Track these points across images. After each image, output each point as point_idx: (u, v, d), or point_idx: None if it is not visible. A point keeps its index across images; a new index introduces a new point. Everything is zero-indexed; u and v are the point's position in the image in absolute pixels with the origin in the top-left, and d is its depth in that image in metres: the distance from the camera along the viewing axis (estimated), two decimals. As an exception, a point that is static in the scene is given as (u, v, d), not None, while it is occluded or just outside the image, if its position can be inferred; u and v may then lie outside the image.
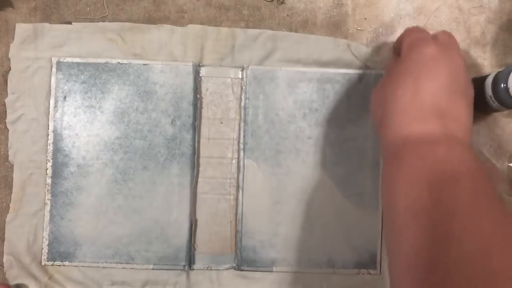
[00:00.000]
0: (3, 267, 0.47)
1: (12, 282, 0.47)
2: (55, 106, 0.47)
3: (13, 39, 0.47)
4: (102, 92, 0.47)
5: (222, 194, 0.48)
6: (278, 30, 0.48)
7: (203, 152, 0.48)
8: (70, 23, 0.47)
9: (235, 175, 0.48)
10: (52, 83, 0.47)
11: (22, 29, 0.47)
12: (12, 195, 0.47)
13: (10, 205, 0.47)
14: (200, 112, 0.48)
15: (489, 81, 0.45)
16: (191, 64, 0.47)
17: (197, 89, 0.47)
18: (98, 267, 0.47)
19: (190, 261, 0.47)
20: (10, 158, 0.47)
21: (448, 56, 0.38)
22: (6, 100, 0.47)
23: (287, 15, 0.48)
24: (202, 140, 0.48)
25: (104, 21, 0.48)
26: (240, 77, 0.48)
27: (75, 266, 0.47)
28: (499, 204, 0.30)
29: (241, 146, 0.47)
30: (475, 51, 0.49)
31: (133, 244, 0.47)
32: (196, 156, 0.47)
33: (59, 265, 0.47)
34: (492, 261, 0.27)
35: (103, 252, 0.47)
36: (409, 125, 0.35)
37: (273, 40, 0.47)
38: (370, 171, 0.47)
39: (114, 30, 0.47)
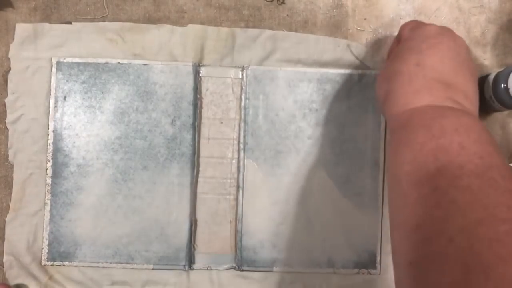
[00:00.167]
0: (3, 267, 0.47)
1: (12, 282, 0.47)
2: (55, 106, 0.47)
3: (13, 39, 0.47)
4: (102, 92, 0.47)
5: (222, 194, 0.48)
6: (278, 30, 0.48)
7: (203, 152, 0.48)
8: (70, 23, 0.47)
9: (235, 175, 0.48)
10: (52, 83, 0.47)
11: (22, 29, 0.47)
12: (12, 195, 0.47)
13: (10, 205, 0.47)
14: (200, 112, 0.48)
15: (489, 81, 0.45)
16: (191, 64, 0.47)
17: (197, 89, 0.47)
18: (98, 267, 0.47)
19: (190, 261, 0.47)
20: (10, 158, 0.47)
21: (448, 33, 0.38)
22: (6, 100, 0.47)
23: (287, 15, 0.48)
24: (202, 140, 0.48)
25: (104, 21, 0.48)
26: (240, 77, 0.48)
27: (75, 266, 0.47)
28: (507, 173, 0.30)
29: (241, 146, 0.47)
30: (475, 51, 0.49)
31: (133, 244, 0.47)
32: (196, 156, 0.47)
33: (59, 265, 0.47)
34: (496, 230, 0.27)
35: (103, 252, 0.47)
36: (415, 95, 0.35)
37: (273, 40, 0.47)
38: (370, 171, 0.47)
39: (114, 30, 0.47)
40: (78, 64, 0.47)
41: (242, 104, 0.47)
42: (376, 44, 0.48)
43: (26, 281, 0.47)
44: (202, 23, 0.48)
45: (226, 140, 0.48)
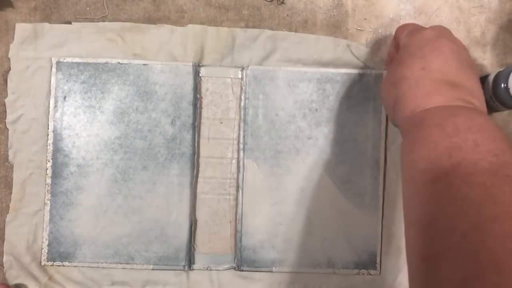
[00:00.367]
0: (3, 267, 0.47)
1: (12, 282, 0.47)
2: (55, 106, 0.47)
3: (13, 39, 0.47)
4: (102, 92, 0.47)
5: (222, 194, 0.48)
6: (278, 30, 0.48)
7: (203, 152, 0.48)
8: (70, 23, 0.47)
9: (235, 175, 0.48)
10: (52, 83, 0.47)
11: (22, 29, 0.47)
12: (12, 195, 0.47)
13: (10, 205, 0.47)
14: (200, 112, 0.48)
15: (489, 81, 0.45)
16: (191, 64, 0.47)
17: (197, 89, 0.47)
18: (98, 267, 0.47)
19: (190, 261, 0.47)
20: (10, 158, 0.47)
21: (447, 37, 0.38)
22: (6, 100, 0.47)
23: (287, 15, 0.48)
24: (202, 140, 0.48)
25: (104, 21, 0.48)
26: (240, 77, 0.48)
27: (75, 266, 0.47)
28: None
29: (241, 146, 0.47)
30: (475, 51, 0.49)
31: (133, 244, 0.47)
32: (196, 156, 0.47)
33: (59, 265, 0.47)
34: (509, 226, 0.27)
35: (103, 252, 0.47)
36: (425, 97, 0.36)
37: (273, 40, 0.47)
38: (370, 171, 0.47)
39: (114, 30, 0.47)
40: (78, 64, 0.47)
41: (242, 104, 0.47)
42: (376, 44, 0.48)
43: (26, 281, 0.47)
44: (202, 23, 0.48)
45: (226, 140, 0.48)
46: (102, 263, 0.47)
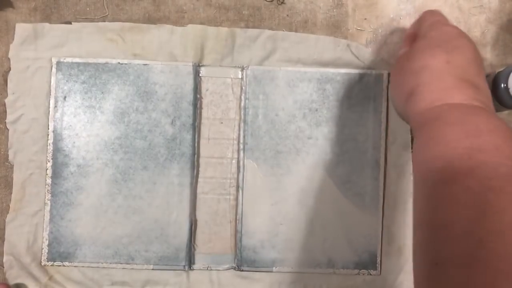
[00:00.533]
0: (3, 267, 0.47)
1: (12, 282, 0.47)
2: (55, 106, 0.47)
3: (13, 39, 0.47)
4: (102, 92, 0.47)
5: (222, 194, 0.48)
6: (278, 30, 0.48)
7: (203, 152, 0.48)
8: (70, 23, 0.47)
9: (235, 175, 0.48)
10: (52, 83, 0.47)
11: (22, 29, 0.47)
12: (12, 195, 0.47)
13: (10, 205, 0.47)
14: (200, 112, 0.48)
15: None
16: (191, 64, 0.47)
17: (197, 89, 0.47)
18: (98, 267, 0.47)
19: (190, 261, 0.47)
20: (10, 158, 0.47)
21: (468, 38, 0.38)
22: (6, 100, 0.47)
23: (287, 15, 0.48)
24: (202, 140, 0.48)
25: (104, 21, 0.48)
26: (240, 77, 0.48)
27: (75, 266, 0.47)
28: None
29: (241, 146, 0.47)
30: (475, 51, 0.49)
31: (133, 244, 0.47)
32: (196, 156, 0.47)
33: (59, 265, 0.47)
34: None
35: (103, 252, 0.47)
36: (447, 91, 0.35)
37: (273, 40, 0.47)
38: (370, 171, 0.47)
39: (114, 30, 0.47)
40: (78, 64, 0.47)
41: (242, 104, 0.47)
42: (376, 44, 0.48)
43: (26, 281, 0.47)
44: (202, 23, 0.48)
45: (226, 140, 0.48)
46: (102, 263, 0.47)
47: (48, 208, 0.46)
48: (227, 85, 0.48)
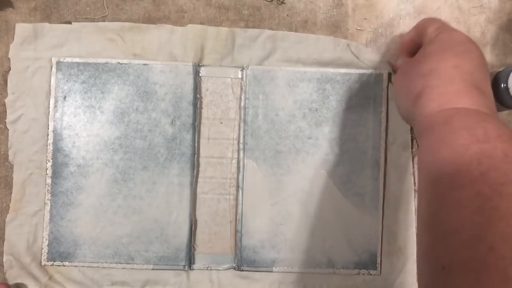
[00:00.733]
0: (3, 267, 0.47)
1: (12, 282, 0.47)
2: (55, 106, 0.47)
3: (13, 39, 0.47)
4: (102, 92, 0.47)
5: (222, 194, 0.48)
6: (278, 30, 0.48)
7: (203, 152, 0.48)
8: (70, 23, 0.47)
9: (235, 175, 0.48)
10: (52, 83, 0.47)
11: (22, 29, 0.47)
12: (12, 195, 0.47)
13: (10, 205, 0.47)
14: (200, 112, 0.48)
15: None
16: (191, 64, 0.47)
17: (197, 89, 0.47)
18: (98, 267, 0.47)
19: (190, 261, 0.47)
20: (10, 158, 0.47)
21: (475, 43, 0.38)
22: (6, 100, 0.47)
23: (287, 15, 0.48)
24: (202, 140, 0.48)
25: (104, 21, 0.48)
26: (240, 77, 0.48)
27: (75, 266, 0.47)
28: None
29: (241, 146, 0.47)
30: (475, 51, 0.49)
31: (133, 244, 0.47)
32: (196, 156, 0.47)
33: (59, 265, 0.47)
34: None
35: (103, 252, 0.47)
36: (456, 95, 0.35)
37: (273, 40, 0.47)
38: (370, 171, 0.47)
39: (114, 30, 0.47)
40: (78, 64, 0.47)
41: (242, 104, 0.47)
42: (376, 44, 0.48)
43: (26, 281, 0.47)
44: (202, 23, 0.48)
45: (226, 140, 0.48)
46: (102, 263, 0.47)
47: (48, 208, 0.46)
48: (227, 85, 0.48)
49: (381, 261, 0.47)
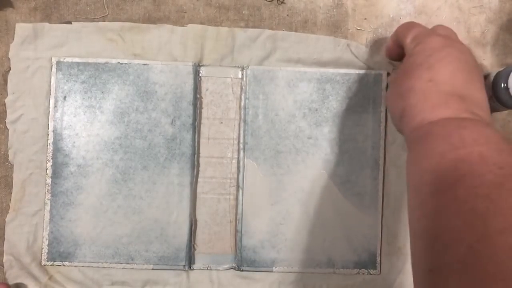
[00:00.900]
0: (3, 267, 0.47)
1: (12, 282, 0.47)
2: (55, 106, 0.47)
3: (13, 39, 0.47)
4: (102, 92, 0.47)
5: (222, 194, 0.48)
6: (278, 30, 0.48)
7: (203, 152, 0.48)
8: (70, 23, 0.47)
9: (235, 175, 0.48)
10: (52, 83, 0.47)
11: (22, 29, 0.47)
12: (12, 195, 0.47)
13: (10, 205, 0.47)
14: (200, 112, 0.48)
15: (489, 81, 0.45)
16: (191, 64, 0.47)
17: (197, 89, 0.47)
18: (98, 267, 0.47)
19: (190, 261, 0.47)
20: (10, 158, 0.47)
21: (453, 44, 0.38)
22: (6, 100, 0.47)
23: (287, 15, 0.48)
24: (202, 140, 0.48)
25: (104, 21, 0.48)
26: (240, 77, 0.48)
27: (75, 266, 0.47)
28: None
29: (241, 146, 0.47)
30: (475, 51, 0.49)
31: (133, 244, 0.47)
32: (196, 156, 0.47)
33: (59, 265, 0.47)
34: None
35: (103, 252, 0.47)
36: (432, 110, 0.35)
37: (273, 40, 0.47)
38: (370, 171, 0.47)
39: (114, 30, 0.47)
40: (78, 64, 0.47)
41: (242, 104, 0.47)
42: (376, 44, 0.48)
43: (26, 281, 0.47)
44: (202, 23, 0.48)
45: (226, 140, 0.48)
46: (102, 263, 0.47)
47: (48, 208, 0.46)
48: (227, 85, 0.48)
49: (380, 260, 0.48)
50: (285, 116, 0.47)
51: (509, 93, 0.42)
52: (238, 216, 0.47)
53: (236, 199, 0.47)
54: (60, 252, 0.46)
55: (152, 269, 0.47)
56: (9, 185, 0.47)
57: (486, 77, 0.46)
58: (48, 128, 0.47)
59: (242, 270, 0.47)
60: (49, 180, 0.46)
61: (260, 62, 0.48)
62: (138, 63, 0.47)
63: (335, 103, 0.48)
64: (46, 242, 0.47)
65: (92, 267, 0.47)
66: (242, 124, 0.47)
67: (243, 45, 0.47)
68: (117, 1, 0.48)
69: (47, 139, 0.47)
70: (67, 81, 0.47)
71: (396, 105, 0.39)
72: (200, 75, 0.48)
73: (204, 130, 0.48)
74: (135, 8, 0.48)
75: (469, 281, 0.27)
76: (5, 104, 0.47)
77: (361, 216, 0.47)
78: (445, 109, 0.35)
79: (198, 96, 0.47)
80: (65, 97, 0.47)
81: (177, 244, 0.47)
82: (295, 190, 0.47)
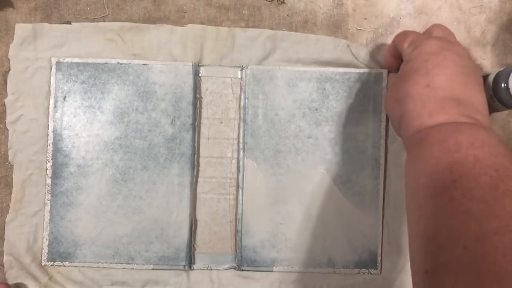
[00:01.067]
0: (3, 267, 0.47)
1: (12, 282, 0.47)
2: (55, 107, 0.47)
3: (13, 39, 0.47)
4: (101, 92, 0.47)
5: (222, 194, 0.48)
6: (278, 30, 0.48)
7: (203, 152, 0.48)
8: (69, 23, 0.47)
9: (235, 175, 0.48)
10: (51, 83, 0.47)
11: (21, 29, 0.47)
12: (12, 195, 0.47)
13: (10, 205, 0.47)
14: (200, 112, 0.48)
15: (489, 81, 0.45)
16: (190, 64, 0.47)
17: (196, 89, 0.47)
18: (98, 267, 0.47)
19: (190, 261, 0.47)
20: (10, 159, 0.47)
21: (450, 47, 0.38)
22: (6, 101, 0.47)
23: (287, 15, 0.48)
24: (202, 140, 0.48)
25: (104, 21, 0.48)
26: (240, 76, 0.48)
27: (75, 266, 0.47)
28: None
29: (241, 146, 0.47)
30: (475, 51, 0.49)
31: (133, 244, 0.47)
32: (196, 156, 0.47)
33: (59, 266, 0.47)
34: (510, 239, 0.27)
35: (103, 252, 0.47)
36: (429, 115, 0.36)
37: (273, 40, 0.47)
38: (370, 170, 0.47)
39: (113, 30, 0.47)
40: (78, 64, 0.47)
41: (242, 103, 0.47)
42: (376, 44, 0.48)
43: (26, 281, 0.47)
44: (202, 23, 0.48)
45: (225, 140, 0.48)
46: (102, 263, 0.47)
47: (48, 208, 0.46)
48: (227, 85, 0.48)
49: (381, 260, 0.47)
50: (284, 115, 0.47)
51: (509, 93, 0.42)
52: (238, 216, 0.47)
53: (236, 199, 0.47)
54: (60, 252, 0.46)
55: (152, 269, 0.47)
56: (9, 186, 0.47)
57: (486, 77, 0.46)
58: (48, 129, 0.47)
59: (242, 270, 0.47)
60: (49, 181, 0.46)
61: (260, 62, 0.47)
62: (137, 63, 0.47)
63: (335, 102, 0.47)
64: (46, 243, 0.46)
65: (92, 267, 0.47)
66: (241, 124, 0.47)
67: (243, 45, 0.47)
68: (117, 1, 0.48)
69: (47, 140, 0.47)
70: (66, 81, 0.47)
71: (394, 110, 0.39)
72: (199, 75, 0.48)
73: (204, 130, 0.48)
74: (135, 8, 0.48)
75: (465, 282, 0.28)
76: (5, 104, 0.47)
77: (362, 216, 0.47)
78: (442, 114, 0.36)
79: (197, 96, 0.47)
80: (64, 98, 0.47)
81: (177, 244, 0.47)
82: (295, 190, 0.47)
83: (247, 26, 0.48)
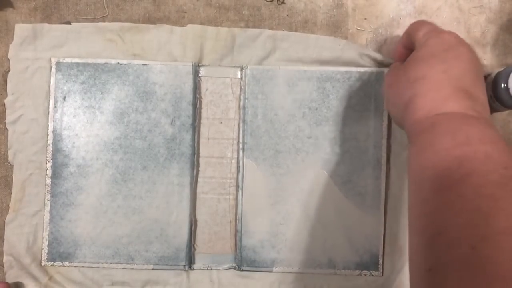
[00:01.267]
0: (3, 267, 0.47)
1: (12, 282, 0.46)
2: (55, 107, 0.47)
3: (13, 39, 0.47)
4: (101, 93, 0.47)
5: (222, 194, 0.48)
6: (278, 30, 0.48)
7: (203, 152, 0.48)
8: (69, 23, 0.47)
9: (235, 175, 0.48)
10: (51, 84, 0.47)
11: (21, 29, 0.47)
12: (12, 195, 0.47)
13: (10, 206, 0.47)
14: (200, 112, 0.48)
15: (489, 81, 0.45)
16: (190, 64, 0.47)
17: (196, 89, 0.47)
18: (98, 267, 0.47)
19: (190, 261, 0.47)
20: (10, 159, 0.47)
21: (466, 44, 0.38)
22: (6, 101, 0.47)
23: (287, 15, 0.48)
24: (202, 140, 0.48)
25: (104, 21, 0.48)
26: (239, 77, 0.48)
27: (75, 266, 0.47)
28: None
29: (241, 146, 0.47)
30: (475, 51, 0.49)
31: (133, 244, 0.47)
32: (195, 156, 0.47)
33: (59, 266, 0.47)
34: None
35: (103, 252, 0.46)
36: (444, 101, 0.35)
37: (273, 40, 0.47)
38: (371, 170, 0.47)
39: (113, 30, 0.47)
40: (78, 64, 0.47)
41: (241, 104, 0.47)
42: (376, 44, 0.48)
43: (26, 281, 0.47)
44: (202, 23, 0.48)
45: (225, 140, 0.48)
46: (102, 263, 0.47)
47: (48, 208, 0.46)
48: (227, 85, 0.48)
49: (383, 261, 0.47)
50: (284, 115, 0.47)
51: (509, 93, 0.42)
52: (238, 216, 0.47)
53: (236, 199, 0.47)
54: (60, 252, 0.46)
55: (152, 269, 0.47)
56: (9, 186, 0.47)
57: (486, 77, 0.46)
58: (48, 129, 0.47)
59: (242, 270, 0.47)
60: (49, 181, 0.46)
61: (260, 62, 0.47)
62: (137, 64, 0.47)
63: (335, 101, 0.47)
64: (46, 243, 0.46)
65: (92, 267, 0.47)
66: (241, 124, 0.47)
67: (242, 45, 0.47)
68: (117, 1, 0.48)
69: (47, 140, 0.47)
70: (66, 81, 0.47)
71: (402, 93, 0.38)
72: (199, 75, 0.48)
73: (203, 130, 0.48)
74: (135, 8, 0.48)
75: (469, 281, 0.27)
76: (4, 104, 0.47)
77: (363, 217, 0.47)
78: (455, 103, 0.35)
79: (197, 96, 0.47)
80: (64, 98, 0.47)
81: (177, 244, 0.47)
82: (295, 190, 0.47)
83: (247, 26, 0.48)
